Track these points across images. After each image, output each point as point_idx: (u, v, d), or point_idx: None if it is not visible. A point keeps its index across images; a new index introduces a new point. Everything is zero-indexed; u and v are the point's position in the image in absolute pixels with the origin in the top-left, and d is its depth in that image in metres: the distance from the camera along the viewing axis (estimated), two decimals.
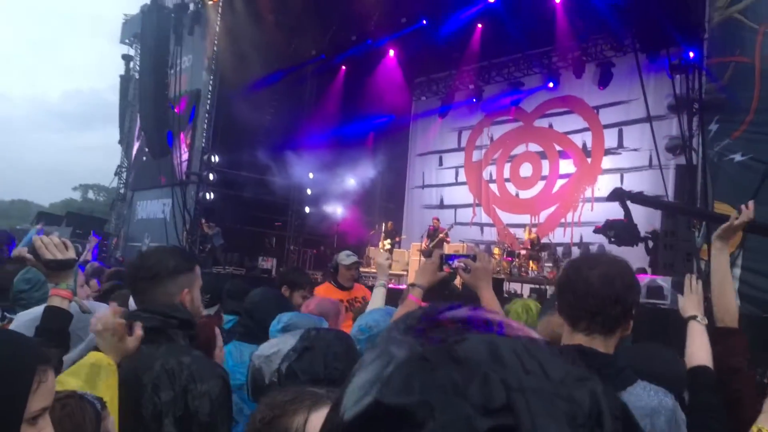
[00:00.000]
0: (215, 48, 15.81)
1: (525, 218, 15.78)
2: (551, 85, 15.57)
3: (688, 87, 10.78)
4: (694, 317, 2.31)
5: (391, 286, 3.54)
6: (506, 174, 16.75)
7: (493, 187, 16.95)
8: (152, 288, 2.13)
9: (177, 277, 2.16)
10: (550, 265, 13.22)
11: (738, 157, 9.31)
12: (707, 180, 9.63)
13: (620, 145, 14.50)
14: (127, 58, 21.17)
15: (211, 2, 15.95)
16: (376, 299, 3.19)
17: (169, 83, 15.21)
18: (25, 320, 2.29)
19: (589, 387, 0.45)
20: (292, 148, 16.64)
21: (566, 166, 15.43)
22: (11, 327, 2.29)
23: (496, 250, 13.97)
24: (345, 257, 5.08)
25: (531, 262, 13.02)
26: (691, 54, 10.80)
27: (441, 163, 18.39)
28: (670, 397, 1.63)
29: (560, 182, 15.50)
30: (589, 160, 15.06)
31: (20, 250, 3.79)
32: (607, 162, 14.64)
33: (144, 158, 18.53)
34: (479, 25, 15.33)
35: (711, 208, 9.03)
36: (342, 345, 1.94)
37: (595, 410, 0.44)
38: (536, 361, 0.45)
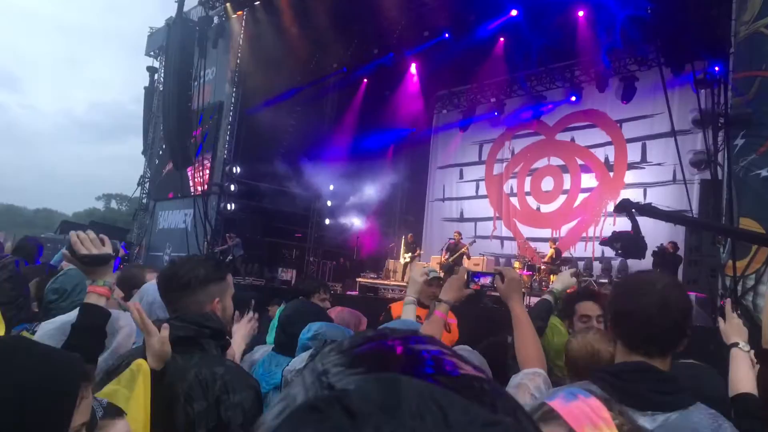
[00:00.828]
0: (238, 60, 15.99)
1: (546, 232, 15.68)
2: (573, 98, 15.51)
3: (714, 101, 10.65)
4: (736, 344, 2.28)
5: None
6: (527, 187, 16.67)
7: (514, 200, 16.87)
8: (184, 297, 2.13)
9: (208, 287, 2.16)
10: None
11: (764, 173, 9.17)
12: (732, 195, 9.50)
13: (644, 159, 14.37)
14: (151, 70, 21.44)
15: (235, 15, 16.16)
16: (407, 315, 3.15)
17: (193, 95, 15.38)
18: (49, 329, 2.30)
19: None
20: (312, 159, 16.72)
21: (588, 180, 15.32)
22: (36, 337, 2.30)
23: (516, 264, 13.89)
24: (419, 276, 4.59)
25: (552, 276, 12.92)
26: (717, 68, 10.70)
27: (461, 176, 18.36)
28: (729, 424, 1.62)
29: (582, 196, 15.38)
30: (611, 174, 14.94)
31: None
32: (630, 176, 14.52)
33: (166, 169, 18.73)
34: (501, 39, 15.33)
35: (737, 223, 8.90)
36: None
37: None
38: (440, 406, 0.40)
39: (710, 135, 10.71)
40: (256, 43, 15.34)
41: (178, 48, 15.35)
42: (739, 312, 2.37)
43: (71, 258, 2.21)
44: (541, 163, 16.47)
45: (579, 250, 14.89)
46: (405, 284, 12.66)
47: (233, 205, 16.14)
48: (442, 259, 14.24)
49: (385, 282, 15.79)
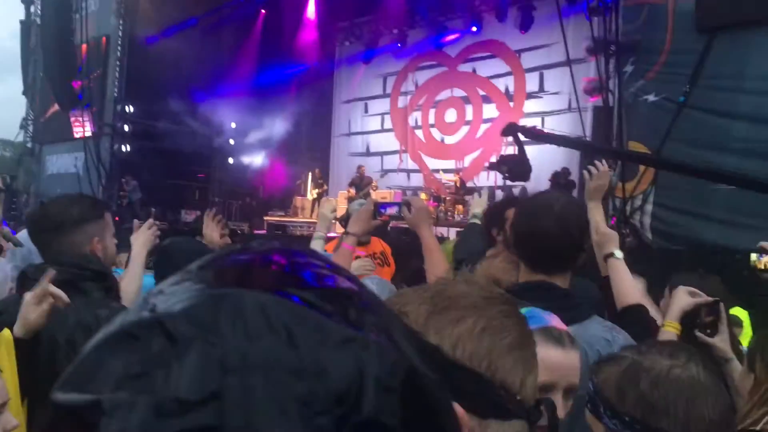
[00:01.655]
0: None
1: (450, 163, 15.95)
2: (474, 29, 15.51)
3: (606, 29, 10.97)
4: (611, 255, 2.21)
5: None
6: (431, 120, 16.78)
7: (419, 133, 16.97)
8: (57, 239, 1.98)
9: (84, 226, 2.02)
10: None
11: (651, 98, 9.66)
12: (622, 120, 9.97)
13: (541, 88, 14.74)
14: (27, 1, 19.56)
15: None
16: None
17: (75, 29, 14.23)
18: None
19: (353, 352, 0.34)
20: (212, 96, 16.02)
21: (489, 110, 15.59)
22: None
23: (423, 195, 14.11)
24: (359, 207, 4.28)
25: (457, 206, 13.25)
26: None
27: (367, 110, 18.20)
28: (624, 334, 1.72)
29: (484, 127, 15.67)
30: (511, 104, 15.26)
31: None
32: (529, 106, 14.89)
33: (51, 110, 17.43)
34: None
35: (626, 147, 9.37)
36: None
37: (355, 384, 0.33)
38: (285, 324, 0.34)
39: (602, 62, 11.09)
40: None
41: None
42: (627, 230, 2.46)
43: None
44: (444, 95, 16.57)
45: (482, 180, 15.26)
46: (314, 221, 12.62)
47: (128, 146, 15.32)
48: (349, 194, 14.24)
49: (294, 219, 15.68)
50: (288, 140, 17.38)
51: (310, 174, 16.30)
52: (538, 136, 3.07)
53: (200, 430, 0.30)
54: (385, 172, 16.65)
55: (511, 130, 2.58)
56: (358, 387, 0.33)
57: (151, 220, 2.76)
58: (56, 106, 16.16)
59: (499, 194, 14.57)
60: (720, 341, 1.87)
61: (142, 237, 2.62)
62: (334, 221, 3.36)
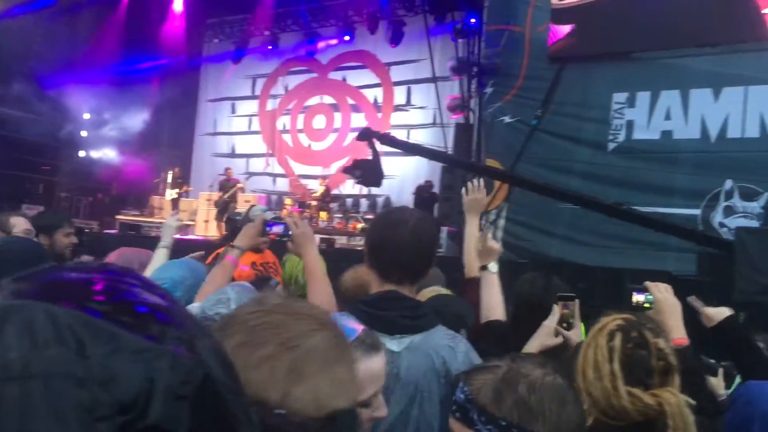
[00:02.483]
0: None
1: (317, 170, 15.96)
2: (347, 38, 15.66)
3: (469, 51, 11.55)
4: (485, 268, 2.36)
5: (177, 236, 3.27)
6: (300, 125, 16.72)
7: (287, 137, 16.84)
8: None
9: None
10: (340, 215, 13.66)
11: (507, 119, 10.29)
12: (481, 138, 10.54)
13: (408, 102, 15.19)
14: None
15: None
16: (156, 263, 2.92)
17: None
18: None
19: (146, 361, 0.36)
20: (64, 84, 14.86)
21: (358, 119, 15.79)
22: None
23: (287, 201, 14.01)
24: (260, 212, 3.78)
25: (321, 212, 13.28)
26: (473, 20, 11.54)
27: (234, 111, 17.77)
28: (464, 342, 1.83)
29: (351, 135, 15.80)
30: (379, 115, 15.58)
31: None
32: (395, 118, 15.27)
33: None
34: None
35: (483, 162, 9.90)
36: None
37: (144, 392, 0.35)
38: (76, 333, 0.36)
39: (465, 82, 11.67)
40: None
41: None
42: (491, 235, 2.59)
43: None
44: (313, 101, 16.58)
45: (348, 188, 15.41)
46: None
47: None
48: (218, 196, 13.81)
49: (150, 219, 14.91)
50: (147, 136, 16.50)
51: (170, 173, 15.57)
52: (394, 143, 3.16)
53: None
54: (250, 175, 16.31)
55: (366, 134, 2.64)
56: (147, 395, 0.35)
57: None
58: None
59: (364, 203, 14.82)
60: (575, 335, 2.02)
61: None
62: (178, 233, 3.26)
